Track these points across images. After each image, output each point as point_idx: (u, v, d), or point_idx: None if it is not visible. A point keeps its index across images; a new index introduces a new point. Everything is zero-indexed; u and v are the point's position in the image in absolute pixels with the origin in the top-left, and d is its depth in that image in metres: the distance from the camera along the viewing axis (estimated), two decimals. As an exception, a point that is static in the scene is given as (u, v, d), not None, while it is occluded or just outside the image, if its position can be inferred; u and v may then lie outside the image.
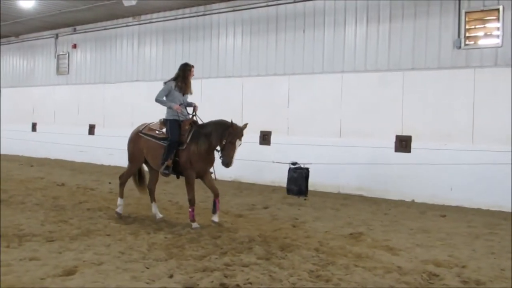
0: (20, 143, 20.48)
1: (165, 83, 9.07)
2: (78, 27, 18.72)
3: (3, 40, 21.98)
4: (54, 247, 6.49)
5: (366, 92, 11.96)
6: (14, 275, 5.26)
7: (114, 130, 17.13)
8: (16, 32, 20.76)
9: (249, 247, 6.67)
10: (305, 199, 11.10)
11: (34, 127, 20.56)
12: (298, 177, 10.22)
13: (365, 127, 11.92)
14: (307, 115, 12.78)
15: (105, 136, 17.18)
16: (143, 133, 8.96)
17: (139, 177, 9.23)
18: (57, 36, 19.65)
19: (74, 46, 19.01)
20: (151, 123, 9.21)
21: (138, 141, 8.90)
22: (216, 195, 8.37)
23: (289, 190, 10.75)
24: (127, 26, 17.05)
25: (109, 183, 12.67)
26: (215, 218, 8.27)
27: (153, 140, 8.76)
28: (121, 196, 8.90)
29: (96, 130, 17.81)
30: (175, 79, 8.97)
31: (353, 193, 11.87)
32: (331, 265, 5.98)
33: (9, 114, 21.84)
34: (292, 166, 10.03)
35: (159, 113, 15.65)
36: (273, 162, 10.42)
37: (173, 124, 8.66)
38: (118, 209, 8.76)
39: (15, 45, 21.74)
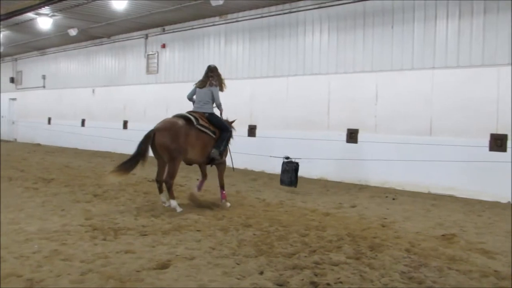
0: (112, 141, 21.29)
1: (215, 86, 9.82)
2: (166, 27, 19.22)
3: (96, 41, 22.93)
4: (148, 241, 6.69)
5: (459, 88, 11.51)
6: (112, 267, 5.47)
7: (201, 127, 17.46)
8: (108, 33, 21.58)
9: (338, 246, 6.60)
10: (393, 198, 10.88)
11: (125, 124, 21.30)
12: (290, 170, 10.51)
13: (457, 125, 11.49)
14: (395, 113, 12.49)
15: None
16: (200, 125, 9.24)
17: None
18: (146, 36, 20.27)
19: (163, 46, 19.53)
20: (183, 115, 9.42)
21: (189, 134, 9.03)
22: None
23: (282, 181, 11.03)
24: (214, 25, 17.32)
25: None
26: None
27: (207, 132, 9.29)
28: (173, 197, 9.03)
29: (184, 128, 18.22)
30: (216, 80, 9.82)
31: (444, 193, 11.49)
32: (423, 266, 5.81)
33: (102, 112, 22.78)
34: (285, 160, 10.26)
35: (245, 111, 15.85)
36: (270, 156, 10.66)
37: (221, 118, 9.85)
38: (178, 210, 8.81)
39: (107, 45, 22.60)
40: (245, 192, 11.20)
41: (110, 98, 22.33)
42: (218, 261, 5.83)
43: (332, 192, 11.64)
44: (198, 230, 7.38)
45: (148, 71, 20.25)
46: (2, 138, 30.93)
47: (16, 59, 29.70)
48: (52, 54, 26.41)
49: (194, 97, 9.95)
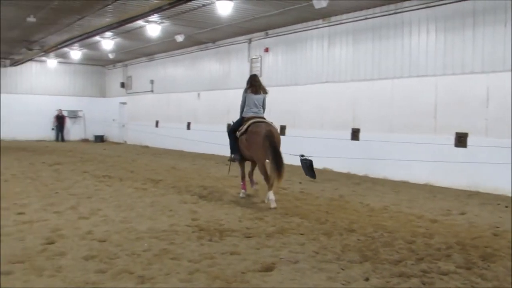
0: (215, 143, 21.74)
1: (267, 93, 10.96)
2: (270, 31, 19.40)
3: (201, 46, 23.55)
4: (252, 243, 6.76)
5: None
6: (218, 267, 5.58)
7: (304, 131, 17.48)
8: (213, 39, 22.09)
9: (447, 255, 6.34)
10: (506, 206, 10.31)
11: (229, 127, 21.65)
12: (304, 166, 11.23)
13: None
14: (508, 115, 11.82)
15: (296, 137, 17.57)
16: None
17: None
18: (250, 40, 20.57)
19: (266, 50, 19.72)
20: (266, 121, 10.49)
21: None
22: None
23: (305, 174, 11.61)
24: (317, 28, 17.27)
25: (300, 183, 12.92)
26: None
27: None
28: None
29: (286, 131, 18.29)
30: None
31: (562, 201, 10.75)
32: (542, 280, 5.46)
33: (207, 116, 23.36)
34: (301, 158, 11.21)
35: (348, 114, 15.69)
36: (289, 154, 11.16)
37: None
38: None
39: (212, 50, 23.16)
40: (348, 197, 11.06)
41: (214, 102, 22.85)
42: (322, 265, 5.79)
43: (439, 198, 11.22)
44: (301, 234, 7.36)
45: (251, 75, 20.49)
46: (113, 140, 32.56)
47: (126, 65, 31.16)
48: (160, 59, 27.45)
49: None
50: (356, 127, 15.68)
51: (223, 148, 21.02)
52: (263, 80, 19.55)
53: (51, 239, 6.68)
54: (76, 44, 23.59)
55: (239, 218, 8.39)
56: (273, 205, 9.34)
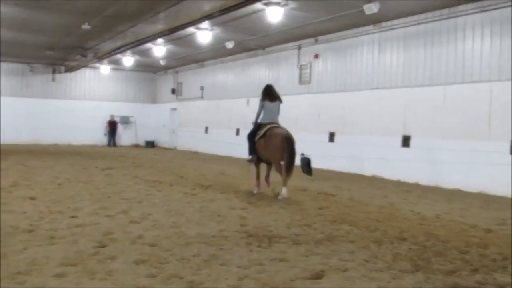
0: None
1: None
2: (319, 38, 19.32)
3: (250, 52, 23.64)
4: (301, 250, 6.69)
5: None
6: (267, 274, 5.54)
7: (353, 137, 17.31)
8: (263, 45, 22.17)
9: (503, 266, 6.13)
10: None
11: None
12: (303, 164, 11.70)
13: None
14: None
15: (345, 144, 17.43)
16: None
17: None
18: (299, 47, 20.53)
19: (316, 56, 19.64)
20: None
21: None
22: None
23: (302, 171, 12.02)
24: (367, 34, 17.11)
25: (348, 190, 12.79)
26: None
27: None
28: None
29: (336, 137, 18.16)
30: None
31: None
32: None
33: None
34: (301, 156, 11.63)
35: (399, 120, 15.46)
36: (301, 155, 11.90)
37: None
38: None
39: (262, 57, 23.23)
40: (399, 204, 10.86)
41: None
42: (372, 274, 5.67)
43: (494, 207, 10.90)
44: (351, 241, 7.25)
45: (300, 82, 20.45)
46: (163, 146, 33.03)
47: (177, 72, 31.59)
48: (210, 66, 27.73)
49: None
50: (407, 134, 15.41)
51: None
52: (312, 87, 19.70)
53: (102, 242, 6.78)
54: (129, 51, 24.10)
55: (288, 225, 8.33)
56: (283, 196, 10.80)
